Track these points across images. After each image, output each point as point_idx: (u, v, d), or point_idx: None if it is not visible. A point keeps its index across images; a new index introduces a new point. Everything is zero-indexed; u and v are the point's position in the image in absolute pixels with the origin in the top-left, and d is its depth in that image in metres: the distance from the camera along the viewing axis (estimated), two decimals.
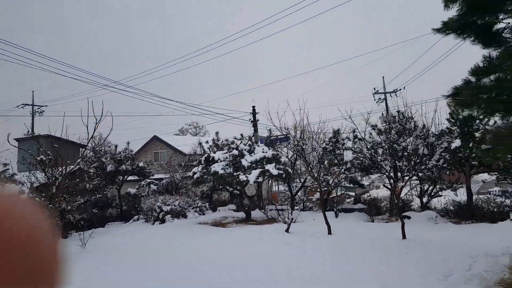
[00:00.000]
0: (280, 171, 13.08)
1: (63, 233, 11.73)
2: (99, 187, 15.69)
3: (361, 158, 13.49)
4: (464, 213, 12.63)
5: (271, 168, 12.87)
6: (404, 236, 8.81)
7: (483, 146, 8.61)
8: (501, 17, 6.01)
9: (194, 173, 13.88)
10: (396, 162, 11.41)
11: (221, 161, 13.40)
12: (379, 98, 23.87)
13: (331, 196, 16.36)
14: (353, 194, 21.33)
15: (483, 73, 5.74)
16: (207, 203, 16.73)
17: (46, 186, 10.78)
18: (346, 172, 14.45)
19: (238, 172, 13.01)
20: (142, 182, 17.41)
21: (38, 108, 28.50)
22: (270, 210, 14.80)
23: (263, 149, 13.97)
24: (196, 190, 18.21)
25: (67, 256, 0.39)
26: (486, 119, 11.50)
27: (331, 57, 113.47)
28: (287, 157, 16.94)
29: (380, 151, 12.10)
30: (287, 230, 10.28)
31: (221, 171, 12.94)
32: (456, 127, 12.80)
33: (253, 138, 19.08)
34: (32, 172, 11.93)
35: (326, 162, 14.16)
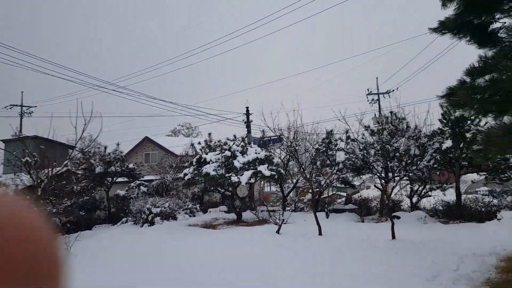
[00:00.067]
0: (273, 172, 13.00)
1: None
2: (87, 189, 15.40)
3: (353, 159, 13.48)
4: (452, 213, 12.77)
5: (263, 169, 12.79)
6: (393, 237, 8.83)
7: (474, 146, 8.66)
8: (497, 16, 6.03)
9: (185, 174, 13.71)
10: (388, 162, 11.42)
11: (213, 162, 13.26)
12: (373, 99, 24.01)
13: (322, 197, 16.32)
14: (344, 194, 21.32)
15: (478, 73, 5.72)
16: (197, 205, 16.56)
17: (31, 188, 10.49)
18: (338, 172, 14.43)
19: (230, 174, 12.88)
20: (132, 184, 17.14)
21: (27, 109, 27.99)
22: (262, 211, 14.70)
23: (256, 150, 13.88)
24: (187, 192, 17.98)
25: (67, 256, 0.38)
26: (478, 120, 11.59)
27: (331, 57, 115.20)
28: (280, 158, 16.88)
29: (372, 151, 12.10)
30: (278, 231, 10.22)
31: (213, 173, 12.80)
32: (447, 128, 12.89)
33: (246, 139, 18.96)
34: (17, 174, 11.62)
35: (318, 163, 14.13)
